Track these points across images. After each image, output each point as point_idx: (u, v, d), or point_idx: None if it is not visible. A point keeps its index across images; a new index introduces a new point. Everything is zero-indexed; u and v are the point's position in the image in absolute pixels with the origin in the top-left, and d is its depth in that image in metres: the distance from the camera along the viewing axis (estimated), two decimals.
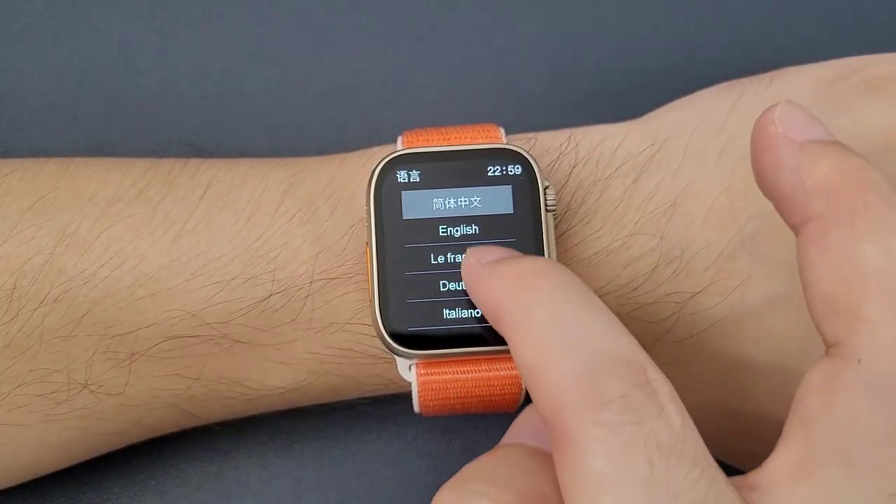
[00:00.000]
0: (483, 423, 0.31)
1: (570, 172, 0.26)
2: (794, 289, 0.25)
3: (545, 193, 0.25)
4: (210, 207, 0.26)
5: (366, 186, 0.25)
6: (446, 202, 0.25)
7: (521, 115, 0.34)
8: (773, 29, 0.35)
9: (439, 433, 0.31)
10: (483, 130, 0.26)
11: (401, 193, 0.24)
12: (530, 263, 0.21)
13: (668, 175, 0.26)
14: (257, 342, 0.25)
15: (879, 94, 0.26)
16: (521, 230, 0.24)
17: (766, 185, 0.21)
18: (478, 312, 0.24)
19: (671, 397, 0.18)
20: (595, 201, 0.26)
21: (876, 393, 0.18)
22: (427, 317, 0.24)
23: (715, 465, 0.18)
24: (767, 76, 0.28)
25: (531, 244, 0.24)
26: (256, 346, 0.25)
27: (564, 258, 0.26)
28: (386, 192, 0.24)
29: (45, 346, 0.25)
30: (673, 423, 0.18)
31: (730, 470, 0.19)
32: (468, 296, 0.24)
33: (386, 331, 0.24)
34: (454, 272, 0.24)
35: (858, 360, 0.18)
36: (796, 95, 0.26)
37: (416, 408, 0.24)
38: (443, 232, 0.24)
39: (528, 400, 0.23)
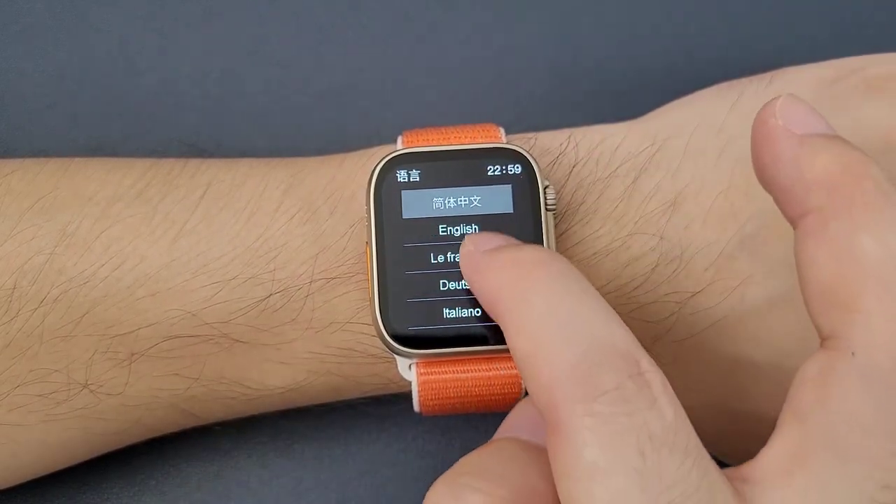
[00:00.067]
0: (483, 423, 0.31)
1: (570, 172, 0.26)
2: (795, 289, 0.25)
3: (545, 193, 0.25)
4: (210, 207, 0.26)
5: (366, 186, 0.25)
6: (446, 202, 0.25)
7: (521, 115, 0.34)
8: (773, 29, 0.35)
9: (439, 433, 0.31)
10: (483, 130, 0.26)
11: (401, 193, 0.25)
12: (528, 252, 0.21)
13: (668, 175, 0.26)
14: (257, 342, 0.25)
15: (879, 94, 0.26)
16: (521, 230, 0.24)
17: (765, 178, 0.21)
18: (478, 312, 0.24)
19: (664, 389, 0.18)
20: (595, 201, 0.26)
21: (870, 385, 0.18)
22: (427, 316, 0.24)
23: (707, 456, 0.18)
24: (767, 76, 0.28)
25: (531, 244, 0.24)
26: (256, 346, 0.26)
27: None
28: (386, 192, 0.24)
29: (45, 346, 0.25)
30: (665, 414, 0.18)
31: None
32: (468, 295, 0.24)
33: (386, 330, 0.24)
34: (454, 271, 0.24)
35: (853, 353, 0.18)
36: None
37: (416, 407, 0.24)
38: (443, 231, 0.24)
39: None
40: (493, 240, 0.22)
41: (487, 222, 0.24)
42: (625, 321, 0.20)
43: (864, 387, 0.18)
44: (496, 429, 0.22)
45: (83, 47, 0.34)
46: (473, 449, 0.21)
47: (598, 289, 0.25)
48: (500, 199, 0.25)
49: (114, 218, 0.25)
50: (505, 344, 0.23)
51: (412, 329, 0.24)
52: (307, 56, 0.34)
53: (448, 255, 0.24)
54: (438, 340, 0.24)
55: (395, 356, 0.24)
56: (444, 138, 0.25)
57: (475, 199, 0.25)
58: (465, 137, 0.25)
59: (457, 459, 0.21)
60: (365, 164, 0.26)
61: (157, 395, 0.26)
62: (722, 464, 0.19)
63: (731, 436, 0.26)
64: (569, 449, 0.18)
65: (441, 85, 0.34)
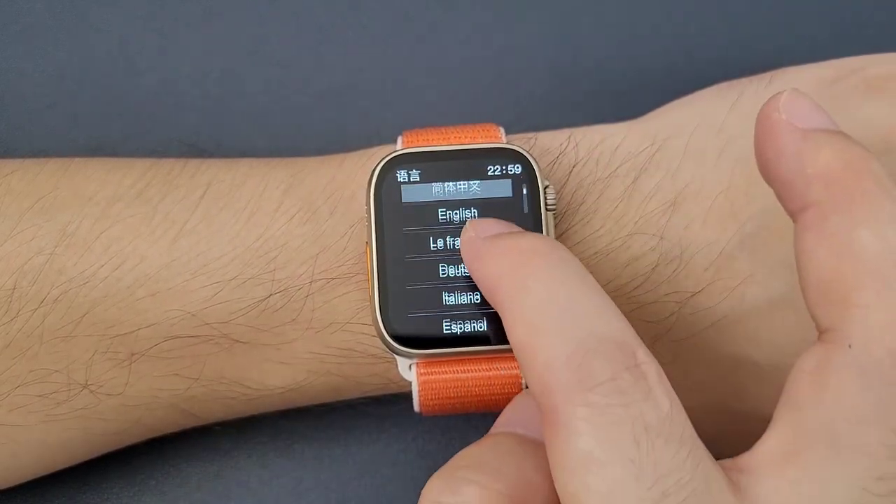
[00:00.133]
0: (483, 423, 0.31)
1: (570, 172, 0.26)
2: (795, 289, 0.25)
3: (545, 193, 0.25)
4: (210, 207, 0.26)
5: (366, 186, 0.25)
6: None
7: (521, 115, 0.34)
8: (773, 29, 0.35)
9: (439, 433, 0.31)
10: (483, 130, 0.26)
11: (401, 193, 0.25)
12: (529, 240, 0.21)
13: (668, 175, 0.26)
14: (257, 342, 0.25)
15: (879, 94, 0.26)
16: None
17: (767, 171, 0.21)
18: (478, 312, 0.24)
19: (659, 380, 0.18)
20: (595, 201, 0.26)
21: (866, 378, 0.18)
22: (427, 316, 0.24)
23: (702, 446, 0.18)
24: (767, 76, 0.28)
25: None
26: (256, 346, 0.25)
27: None
28: (386, 192, 0.24)
29: (45, 346, 0.25)
30: (661, 404, 0.18)
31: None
32: (467, 292, 0.24)
33: (386, 330, 0.24)
34: (453, 264, 0.24)
35: (850, 345, 0.18)
36: None
37: (417, 407, 0.24)
38: (443, 228, 0.24)
39: None
40: (494, 226, 0.22)
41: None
42: None
43: (861, 380, 0.18)
44: None
45: (83, 47, 0.34)
46: None
47: None
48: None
49: (114, 218, 0.25)
50: (504, 344, 0.24)
51: (412, 329, 0.24)
52: (307, 56, 0.34)
53: (448, 243, 0.24)
54: (438, 340, 0.24)
55: (395, 356, 0.24)
56: (444, 138, 0.25)
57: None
58: (465, 137, 0.25)
59: None
60: (365, 164, 0.26)
61: (157, 395, 0.26)
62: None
63: (732, 436, 0.26)
64: (564, 439, 0.18)
65: (441, 85, 0.34)
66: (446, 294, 0.24)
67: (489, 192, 0.25)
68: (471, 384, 0.24)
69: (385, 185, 0.25)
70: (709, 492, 0.18)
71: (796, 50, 0.34)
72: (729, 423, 0.26)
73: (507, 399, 0.24)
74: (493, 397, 0.24)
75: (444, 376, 0.24)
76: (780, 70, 0.28)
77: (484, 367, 0.24)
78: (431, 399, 0.24)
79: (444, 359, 0.24)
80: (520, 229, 0.22)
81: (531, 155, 0.25)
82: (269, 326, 0.25)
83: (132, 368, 0.25)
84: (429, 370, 0.24)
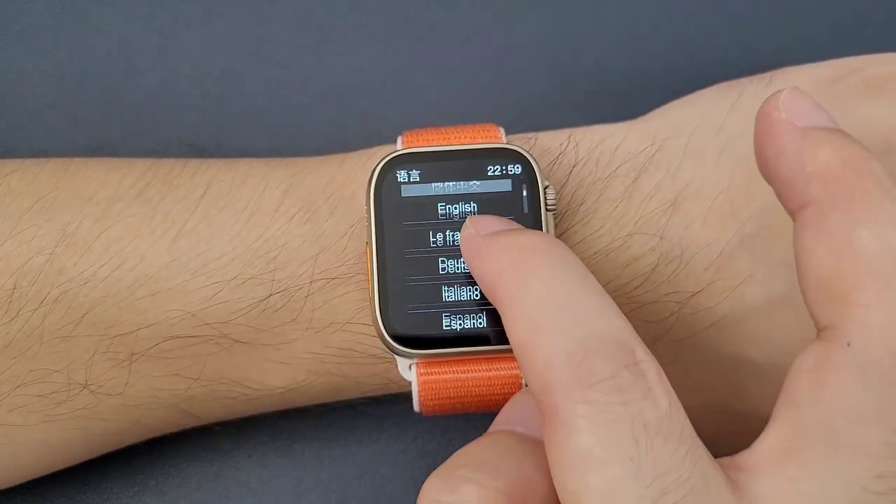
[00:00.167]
0: (483, 423, 0.30)
1: (570, 172, 0.26)
2: (795, 288, 0.25)
3: (545, 193, 0.25)
4: (210, 207, 0.26)
5: (366, 186, 0.25)
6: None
7: (521, 115, 0.34)
8: (773, 29, 0.35)
9: (439, 433, 0.31)
10: (483, 130, 0.26)
11: (401, 193, 0.25)
12: (528, 238, 0.21)
13: (668, 175, 0.26)
14: (257, 342, 0.25)
15: (879, 94, 0.26)
16: None
17: (767, 170, 0.21)
18: (478, 313, 0.24)
19: (659, 378, 0.18)
20: (595, 201, 0.26)
21: (865, 376, 0.18)
22: (427, 316, 0.24)
23: (701, 445, 0.18)
24: (767, 76, 0.28)
25: None
26: (256, 346, 0.25)
27: None
28: (386, 192, 0.24)
29: (45, 346, 0.25)
30: (660, 403, 0.18)
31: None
32: (468, 295, 0.24)
33: (386, 330, 0.24)
34: (454, 268, 0.24)
35: (849, 344, 0.18)
36: None
37: (416, 407, 0.24)
38: (442, 231, 0.24)
39: None
40: (494, 223, 0.22)
41: None
42: None
43: (860, 378, 0.18)
44: None
45: (83, 47, 0.34)
46: None
47: None
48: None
49: (114, 218, 0.25)
50: (504, 344, 0.24)
51: (412, 329, 0.24)
52: (307, 56, 0.34)
53: (448, 244, 0.24)
54: (438, 340, 0.24)
55: (396, 356, 0.24)
56: (444, 138, 0.25)
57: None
58: (465, 137, 0.25)
59: None
60: (365, 164, 0.26)
61: (157, 395, 0.26)
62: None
63: (732, 435, 0.26)
64: (564, 436, 0.18)
65: (441, 85, 0.34)
66: (446, 294, 0.24)
67: (489, 193, 0.25)
68: (471, 384, 0.24)
69: (385, 185, 0.25)
70: (707, 490, 0.18)
71: (796, 50, 0.34)
72: (729, 422, 0.26)
73: (507, 399, 0.24)
74: (493, 397, 0.24)
75: (443, 376, 0.24)
76: (780, 70, 0.28)
77: (484, 368, 0.24)
78: (431, 399, 0.24)
79: (443, 359, 0.24)
80: (520, 226, 0.22)
81: (531, 155, 0.25)
82: (269, 326, 0.25)
83: (132, 368, 0.25)
84: (429, 370, 0.24)
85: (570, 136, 0.27)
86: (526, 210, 0.24)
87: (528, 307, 0.19)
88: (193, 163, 0.27)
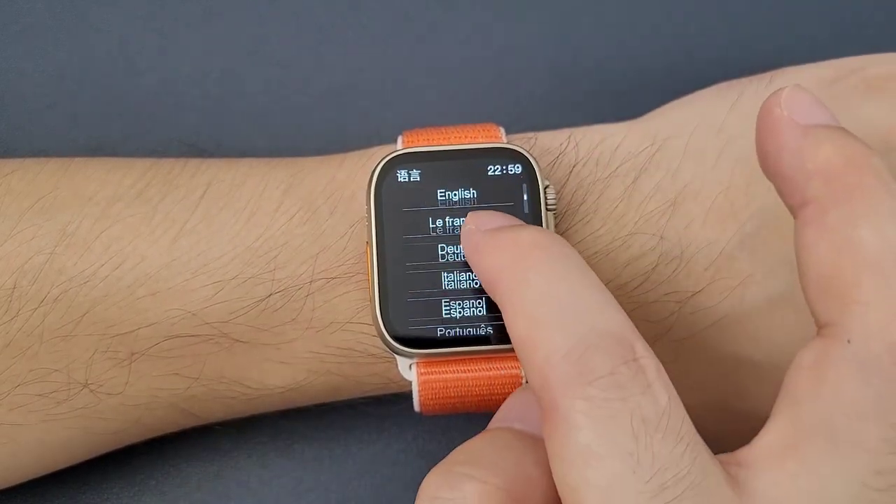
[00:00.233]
0: (483, 423, 0.31)
1: (570, 172, 0.26)
2: (795, 288, 0.25)
3: (545, 193, 0.25)
4: (210, 207, 0.26)
5: (366, 186, 0.25)
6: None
7: (521, 115, 0.34)
8: (773, 29, 0.35)
9: (439, 433, 0.31)
10: (483, 130, 0.26)
11: (401, 193, 0.25)
12: (529, 234, 0.21)
13: (668, 175, 0.26)
14: (257, 342, 0.25)
15: (879, 94, 0.26)
16: None
17: (768, 167, 0.21)
18: (479, 311, 0.24)
19: (658, 374, 0.18)
20: (595, 201, 0.26)
21: (865, 372, 0.18)
22: (427, 316, 0.24)
23: (701, 441, 0.18)
24: (767, 76, 0.28)
25: None
26: (256, 346, 0.25)
27: None
28: (386, 192, 0.25)
29: (45, 345, 0.25)
30: (659, 399, 0.18)
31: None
32: (469, 295, 0.24)
33: (386, 330, 0.24)
34: (456, 272, 0.24)
35: (848, 340, 0.18)
36: None
37: (417, 407, 0.24)
38: (443, 234, 0.24)
39: None
40: (495, 219, 0.22)
41: None
42: None
43: (859, 374, 0.18)
44: None
45: (83, 47, 0.34)
46: None
47: None
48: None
49: (114, 218, 0.25)
50: (505, 344, 0.24)
51: (412, 329, 0.24)
52: (307, 56, 0.34)
53: (451, 256, 0.24)
54: (439, 340, 0.24)
55: (396, 356, 0.24)
56: (444, 138, 0.25)
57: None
58: (466, 137, 0.26)
59: None
60: (365, 164, 0.26)
61: (157, 394, 0.26)
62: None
63: (733, 434, 0.26)
64: (563, 432, 0.18)
65: (441, 85, 0.34)
66: (447, 294, 0.24)
67: (489, 192, 0.25)
68: (471, 384, 0.24)
69: (385, 185, 0.25)
70: (707, 485, 0.18)
71: (796, 50, 0.34)
72: (730, 421, 0.26)
73: None
74: (493, 397, 0.24)
75: (444, 376, 0.24)
76: (779, 70, 0.28)
77: (484, 367, 0.24)
78: (431, 399, 0.24)
79: (444, 358, 0.24)
80: (520, 222, 0.22)
81: (531, 155, 0.25)
82: (269, 326, 0.25)
83: (132, 368, 0.25)
84: (429, 370, 0.24)
85: (570, 136, 0.27)
86: (526, 210, 0.24)
87: (529, 303, 0.19)
88: (193, 163, 0.27)
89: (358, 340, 0.25)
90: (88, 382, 0.25)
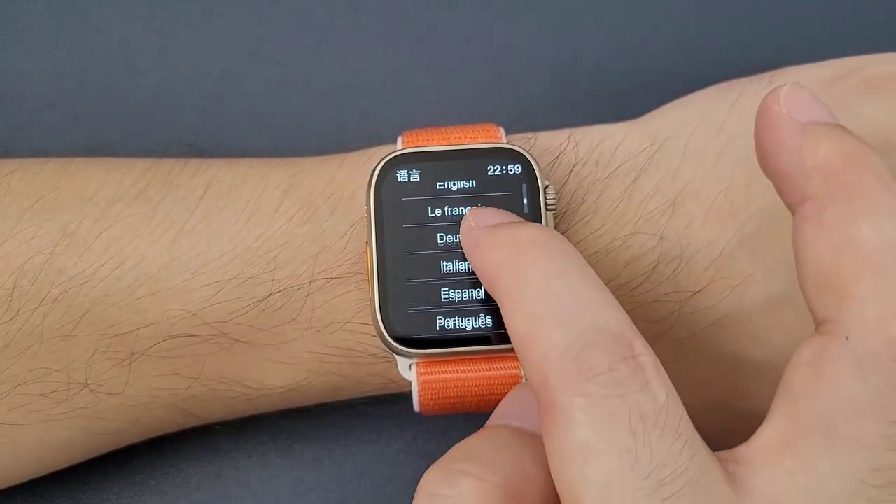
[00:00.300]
0: (483, 422, 0.31)
1: (570, 172, 0.26)
2: (795, 287, 0.25)
3: (545, 192, 0.25)
4: (210, 207, 0.26)
5: (366, 186, 0.25)
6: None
7: (521, 115, 0.34)
8: (773, 29, 0.35)
9: (439, 433, 0.31)
10: (483, 130, 0.26)
11: (401, 193, 0.25)
12: (528, 231, 0.21)
13: (668, 175, 0.26)
14: (257, 342, 0.25)
15: (879, 94, 0.26)
16: None
17: (767, 164, 0.21)
18: (478, 312, 0.24)
19: (656, 371, 0.18)
20: (595, 200, 0.26)
21: (863, 369, 0.18)
22: (427, 316, 0.24)
23: (699, 438, 0.18)
24: (767, 76, 0.28)
25: None
26: (256, 346, 0.26)
27: None
28: (386, 192, 0.25)
29: (45, 345, 0.25)
30: (657, 396, 0.18)
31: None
32: (469, 295, 0.24)
33: (386, 330, 0.24)
34: (453, 270, 0.24)
35: (846, 337, 0.18)
36: None
37: (416, 407, 0.24)
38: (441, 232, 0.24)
39: None
40: (494, 216, 0.22)
41: None
42: None
43: (857, 371, 0.18)
44: None
45: (83, 47, 0.34)
46: None
47: None
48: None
49: (114, 218, 0.25)
50: (504, 344, 0.24)
51: (412, 328, 0.24)
52: (307, 56, 0.34)
53: (448, 243, 0.24)
54: (438, 340, 0.24)
55: (395, 356, 0.24)
56: (444, 138, 0.25)
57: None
58: (465, 137, 0.26)
59: None
60: (365, 164, 0.26)
61: (157, 394, 0.26)
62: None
63: (734, 434, 0.26)
64: (561, 428, 0.18)
65: (441, 85, 0.34)
66: (446, 294, 0.24)
67: (489, 192, 0.25)
68: (471, 384, 0.24)
69: (385, 185, 0.25)
70: (705, 482, 0.18)
71: (796, 50, 0.34)
72: (731, 421, 0.26)
73: None
74: (493, 397, 0.24)
75: (443, 376, 0.24)
76: (779, 70, 0.28)
77: (484, 367, 0.24)
78: (431, 399, 0.24)
79: (443, 359, 0.24)
80: (520, 219, 0.22)
81: (531, 155, 0.25)
82: (268, 326, 0.25)
83: (132, 368, 0.25)
84: (429, 370, 0.24)
85: (570, 136, 0.27)
86: (526, 210, 0.24)
87: (528, 300, 0.19)
88: (193, 163, 0.27)
89: (358, 340, 0.25)
90: (88, 382, 0.25)
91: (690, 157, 0.26)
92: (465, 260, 0.24)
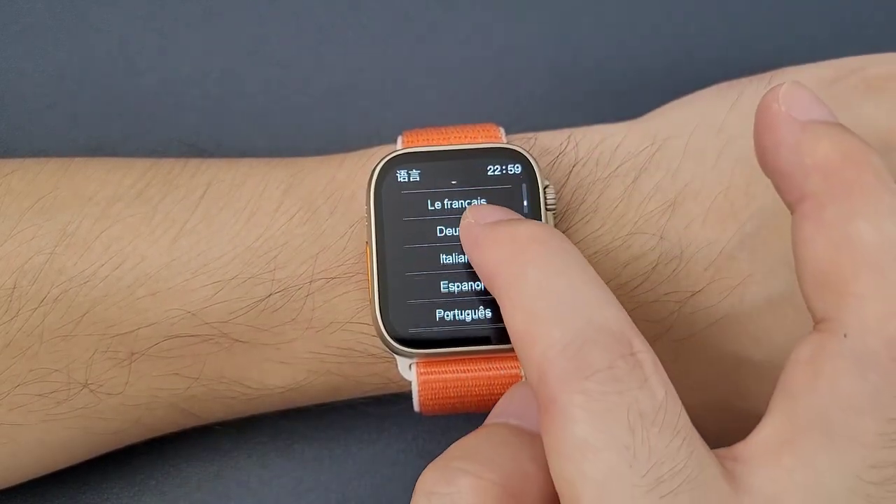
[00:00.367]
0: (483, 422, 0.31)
1: (570, 172, 0.26)
2: (795, 287, 0.25)
3: (545, 192, 0.25)
4: (210, 207, 0.26)
5: (366, 186, 0.25)
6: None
7: (521, 115, 0.34)
8: (773, 29, 0.35)
9: (439, 433, 0.31)
10: (483, 130, 0.26)
11: (401, 193, 0.25)
12: (527, 228, 0.21)
13: (668, 175, 0.26)
14: (257, 342, 0.25)
15: (879, 94, 0.26)
16: None
17: (766, 163, 0.21)
18: (479, 312, 0.24)
19: (655, 369, 0.19)
20: (595, 200, 0.26)
21: (861, 367, 0.18)
22: (427, 316, 0.24)
23: (697, 435, 0.18)
24: (767, 76, 0.28)
25: None
26: (256, 346, 0.26)
27: None
28: (386, 192, 0.25)
29: (45, 345, 0.25)
30: (656, 393, 0.18)
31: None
32: (469, 296, 0.24)
33: (386, 330, 0.24)
34: (456, 272, 0.24)
35: (845, 335, 0.18)
36: None
37: (416, 407, 0.24)
38: (442, 231, 0.24)
39: None
40: (494, 213, 0.22)
41: None
42: None
43: (855, 369, 0.18)
44: None
45: (83, 47, 0.34)
46: None
47: None
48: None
49: (114, 218, 0.25)
50: (504, 343, 0.24)
51: (412, 329, 0.24)
52: (307, 56, 0.34)
53: (448, 243, 0.24)
54: (438, 340, 0.24)
55: (396, 356, 0.24)
56: (444, 138, 0.25)
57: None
58: (465, 137, 0.26)
59: None
60: (365, 164, 0.26)
61: (157, 394, 0.26)
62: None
63: (734, 433, 0.26)
64: (560, 425, 0.18)
65: (441, 85, 0.34)
66: (446, 286, 0.24)
67: (489, 192, 0.25)
68: (471, 384, 0.24)
69: (385, 185, 0.25)
70: (703, 479, 0.18)
71: (796, 50, 0.34)
72: (731, 420, 0.26)
73: None
74: (493, 397, 0.24)
75: (443, 376, 0.24)
76: (779, 70, 0.28)
77: (484, 367, 0.24)
78: (431, 399, 0.24)
79: (443, 358, 0.24)
80: (519, 216, 0.22)
81: (531, 155, 0.25)
82: (268, 326, 0.25)
83: (132, 368, 0.25)
84: (429, 370, 0.24)
85: (570, 136, 0.27)
86: (526, 210, 0.24)
87: (527, 297, 0.19)
88: (193, 163, 0.27)
89: (358, 340, 0.25)
90: (88, 382, 0.25)
91: (690, 157, 0.26)
92: (464, 252, 0.24)
